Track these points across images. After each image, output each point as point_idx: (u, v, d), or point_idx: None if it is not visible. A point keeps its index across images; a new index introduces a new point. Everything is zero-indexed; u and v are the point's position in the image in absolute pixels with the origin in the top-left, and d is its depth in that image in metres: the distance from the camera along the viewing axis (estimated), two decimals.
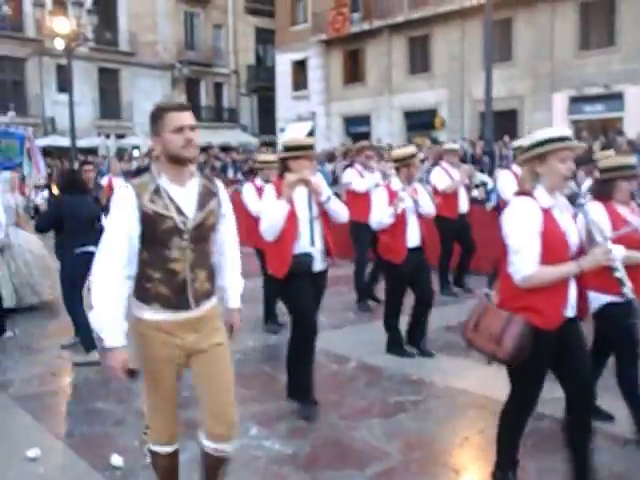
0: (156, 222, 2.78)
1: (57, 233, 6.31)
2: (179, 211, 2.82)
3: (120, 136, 29.61)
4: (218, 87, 36.37)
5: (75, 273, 6.09)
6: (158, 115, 2.82)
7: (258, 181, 7.15)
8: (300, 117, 31.66)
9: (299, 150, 4.61)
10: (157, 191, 2.80)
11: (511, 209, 3.17)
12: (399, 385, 5.39)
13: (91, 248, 5.92)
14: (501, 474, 3.44)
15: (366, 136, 27.52)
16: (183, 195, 2.86)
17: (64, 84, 25.44)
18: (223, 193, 3.03)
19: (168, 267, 2.83)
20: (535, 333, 3.06)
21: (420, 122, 26.80)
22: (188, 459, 4.04)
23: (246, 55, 37.16)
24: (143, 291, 2.87)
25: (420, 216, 5.99)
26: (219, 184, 3.04)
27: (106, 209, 6.49)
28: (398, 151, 6.33)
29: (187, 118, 2.80)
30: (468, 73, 25.08)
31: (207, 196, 2.93)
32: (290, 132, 31.10)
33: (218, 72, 35.90)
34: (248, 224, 6.72)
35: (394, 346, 6.17)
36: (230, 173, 22.02)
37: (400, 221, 5.83)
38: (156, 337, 2.89)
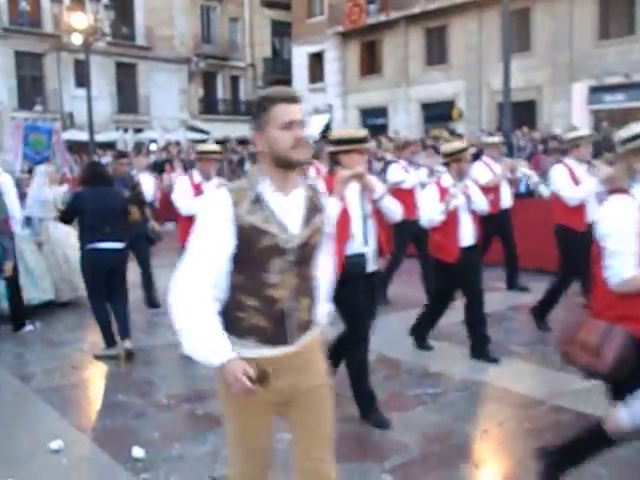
0: (254, 238, 2.27)
1: (79, 227, 6.21)
2: (282, 226, 2.31)
3: (137, 130, 29.79)
4: (235, 80, 36.41)
5: (90, 269, 6.00)
6: (262, 106, 2.31)
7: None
8: (317, 110, 31.62)
9: (351, 143, 4.28)
10: (257, 200, 2.29)
11: (607, 208, 2.98)
12: (418, 378, 5.39)
13: (107, 245, 5.89)
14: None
15: (383, 128, 27.45)
16: (287, 206, 2.34)
17: (82, 79, 25.60)
18: (329, 208, 2.55)
19: (266, 294, 2.33)
20: (637, 343, 2.85)
21: (437, 114, 26.67)
22: (209, 451, 4.09)
23: (262, 48, 37.16)
24: (233, 322, 2.36)
25: (474, 213, 5.71)
26: (325, 196, 2.54)
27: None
28: (448, 146, 5.96)
29: (297, 112, 2.31)
30: (486, 64, 24.91)
31: (313, 210, 2.42)
32: (307, 125, 31.07)
33: (235, 65, 35.93)
34: None
35: (420, 340, 6.11)
36: (247, 166, 22.05)
37: (452, 219, 5.54)
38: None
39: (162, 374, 5.61)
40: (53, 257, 7.87)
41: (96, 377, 5.70)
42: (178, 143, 24.14)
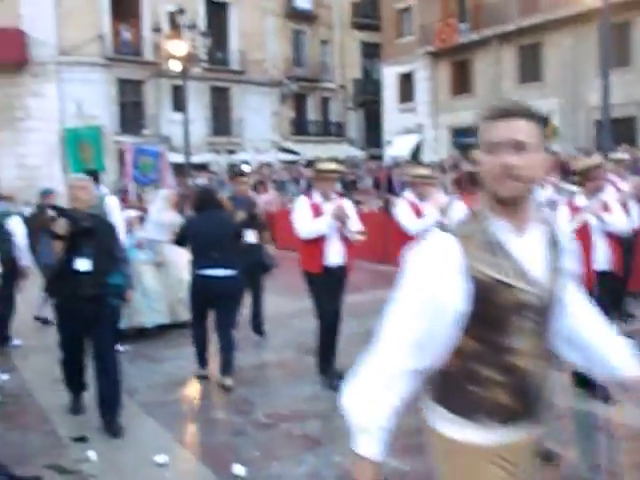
0: (491, 293, 1.80)
1: (191, 251, 6.15)
2: (524, 276, 1.84)
3: (230, 152, 30.57)
4: (325, 102, 36.85)
5: (195, 295, 6.01)
6: (480, 124, 1.95)
7: (409, 195, 6.58)
8: (407, 129, 31.57)
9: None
10: (490, 244, 1.82)
11: None
12: None
13: (215, 272, 5.80)
14: None
15: (474, 148, 27.05)
16: (525, 250, 1.86)
17: (179, 103, 26.53)
18: (569, 241, 2.05)
19: (506, 362, 1.85)
20: None
21: None
22: (307, 472, 4.11)
23: (352, 69, 37.48)
24: (464, 398, 1.87)
25: (610, 236, 5.23)
26: (560, 226, 2.08)
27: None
28: (580, 163, 5.56)
29: (510, 129, 1.85)
30: (582, 80, 24.20)
31: (554, 250, 1.94)
32: (397, 144, 31.10)
33: (325, 87, 36.38)
34: (398, 241, 6.28)
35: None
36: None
37: (583, 240, 4.99)
38: (493, 473, 1.86)
39: (261, 393, 5.69)
40: (169, 279, 7.97)
41: (197, 394, 5.85)
42: (270, 164, 24.63)
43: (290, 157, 31.74)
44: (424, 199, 6.33)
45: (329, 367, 5.83)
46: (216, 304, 5.92)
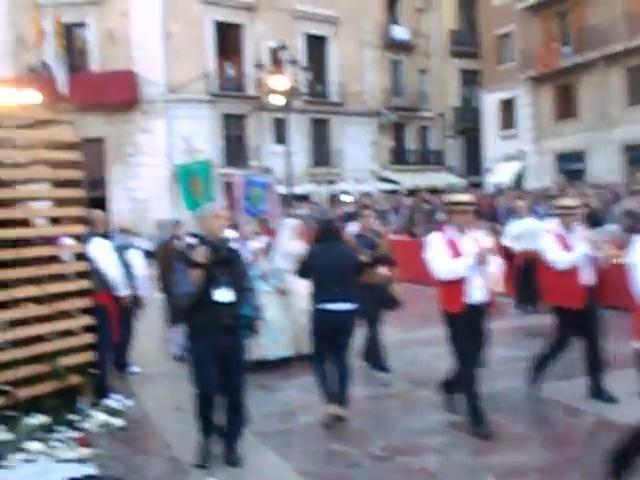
0: None
1: (311, 284, 6.01)
2: None
3: (330, 182, 30.91)
4: (424, 130, 36.74)
5: (315, 329, 5.90)
6: None
7: (555, 227, 6.15)
8: (508, 156, 30.97)
9: None
10: None
11: None
12: None
13: (334, 306, 5.68)
14: None
15: (580, 173, 26.23)
16: None
17: (280, 136, 27.19)
18: None
19: None
20: None
21: None
22: None
23: (451, 97, 37.27)
24: None
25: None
26: None
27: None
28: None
29: None
30: None
31: None
32: (499, 172, 30.55)
33: (423, 115, 36.31)
34: (547, 278, 6.12)
35: None
36: (438, 216, 22.00)
37: None
38: None
39: (375, 425, 5.66)
40: (292, 309, 7.84)
41: (312, 424, 5.82)
42: (369, 194, 24.71)
43: (389, 186, 31.78)
44: (571, 231, 6.02)
45: (477, 415, 5.37)
46: (334, 337, 5.82)
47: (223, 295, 4.76)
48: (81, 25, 27.03)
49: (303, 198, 26.53)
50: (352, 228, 8.16)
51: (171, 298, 8.04)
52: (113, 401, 6.43)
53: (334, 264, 5.76)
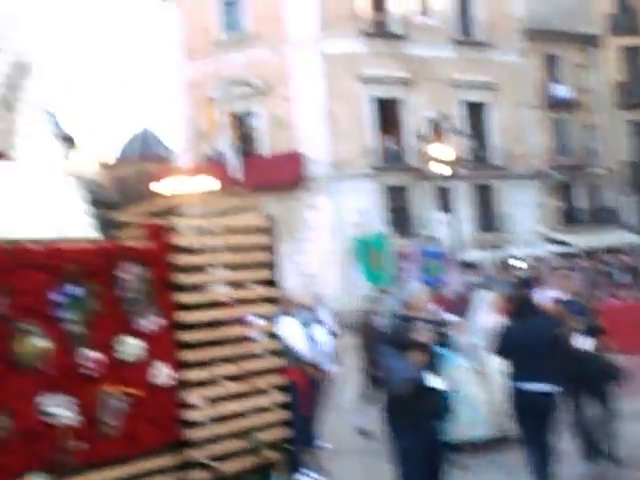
0: None
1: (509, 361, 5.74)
2: None
3: (495, 247, 30.15)
4: (593, 188, 35.11)
5: (517, 411, 5.60)
6: None
7: None
8: None
9: None
10: None
11: None
12: None
13: (532, 386, 5.37)
14: None
15: None
16: None
17: (443, 204, 27.12)
18: None
19: None
20: None
21: None
22: None
23: (622, 151, 35.46)
24: None
25: None
26: None
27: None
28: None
29: None
30: None
31: None
32: None
33: (592, 172, 34.77)
34: None
35: None
36: (617, 277, 20.77)
37: None
38: None
39: None
40: (491, 386, 7.56)
41: None
42: (540, 258, 23.84)
43: (560, 249, 30.43)
44: None
45: None
46: (536, 419, 5.45)
47: (436, 381, 4.50)
48: (249, 114, 29.02)
49: (469, 265, 26.05)
50: (546, 295, 7.69)
51: (377, 381, 7.82)
52: (305, 477, 6.51)
53: (529, 342, 5.42)
